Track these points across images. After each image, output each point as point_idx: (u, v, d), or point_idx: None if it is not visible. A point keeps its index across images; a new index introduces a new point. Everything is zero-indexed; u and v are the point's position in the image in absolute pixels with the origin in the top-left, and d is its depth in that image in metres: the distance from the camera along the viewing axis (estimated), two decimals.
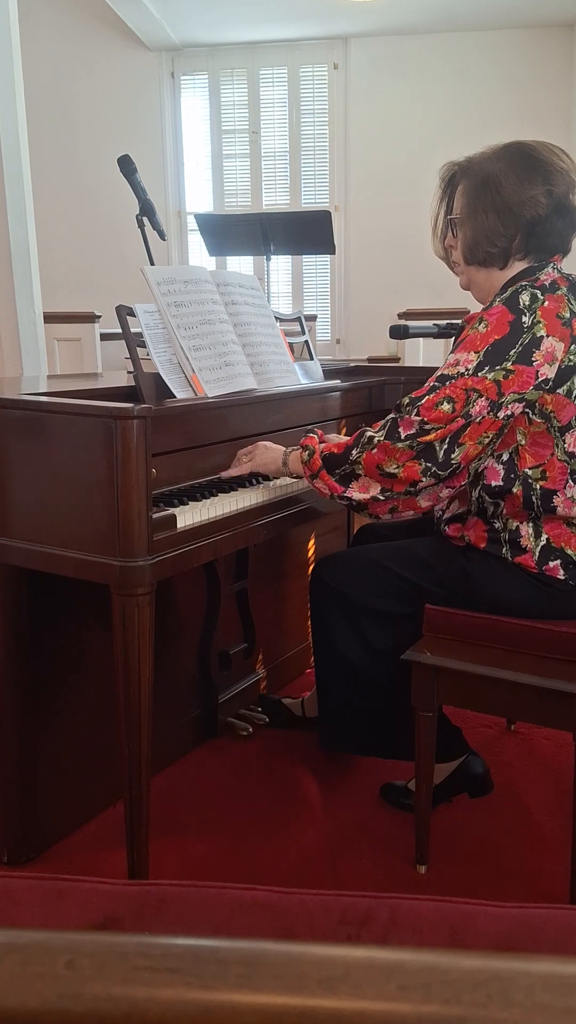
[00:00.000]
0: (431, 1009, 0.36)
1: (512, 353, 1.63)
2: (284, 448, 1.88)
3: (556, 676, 1.64)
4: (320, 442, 1.82)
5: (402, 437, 1.65)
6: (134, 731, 1.59)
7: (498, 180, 1.71)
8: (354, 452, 1.71)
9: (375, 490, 1.70)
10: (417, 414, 1.64)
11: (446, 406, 1.63)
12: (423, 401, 1.65)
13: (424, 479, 1.66)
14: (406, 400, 1.69)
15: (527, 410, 1.68)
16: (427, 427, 1.63)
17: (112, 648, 1.57)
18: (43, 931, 0.41)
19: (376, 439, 1.68)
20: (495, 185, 1.71)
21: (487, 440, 1.66)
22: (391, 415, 1.71)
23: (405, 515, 1.77)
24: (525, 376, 1.63)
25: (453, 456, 1.64)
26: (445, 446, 1.63)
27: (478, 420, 1.63)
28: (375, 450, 1.67)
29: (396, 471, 1.66)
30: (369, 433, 1.70)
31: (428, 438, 1.63)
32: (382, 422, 1.71)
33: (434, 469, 1.65)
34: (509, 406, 1.65)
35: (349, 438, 1.75)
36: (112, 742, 1.83)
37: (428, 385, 1.68)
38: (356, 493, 1.72)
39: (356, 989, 0.36)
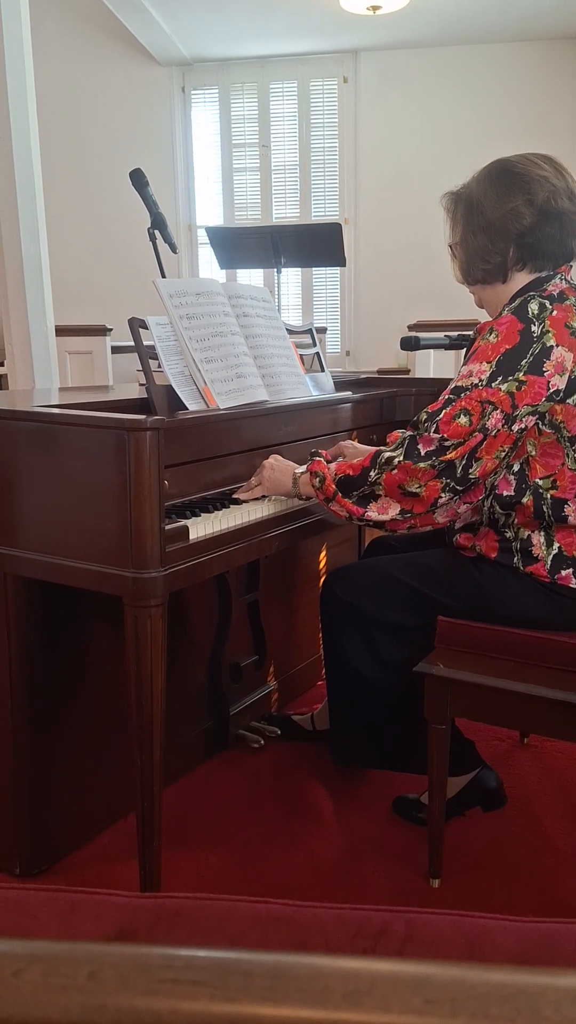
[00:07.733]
0: (458, 1023, 0.35)
1: (524, 363, 1.64)
2: (293, 469, 1.85)
3: (569, 688, 1.64)
4: (328, 462, 1.81)
5: (422, 455, 1.65)
6: (146, 743, 1.59)
7: (480, 201, 1.76)
8: (372, 473, 1.69)
9: (394, 510, 1.70)
10: (436, 430, 1.64)
11: (463, 419, 1.63)
12: (440, 416, 1.65)
13: (443, 495, 1.67)
14: (423, 416, 1.69)
15: (537, 421, 1.68)
16: (446, 443, 1.63)
17: (124, 660, 1.57)
18: (65, 942, 0.40)
19: (396, 459, 1.67)
20: (479, 206, 1.76)
21: (503, 454, 1.67)
22: (407, 432, 1.70)
23: (422, 529, 1.78)
24: (537, 387, 1.64)
25: (471, 471, 1.65)
26: (464, 462, 1.64)
27: (494, 433, 1.63)
28: (395, 471, 1.66)
29: (418, 490, 1.66)
30: (387, 454, 1.68)
31: (448, 456, 1.63)
32: (398, 440, 1.70)
33: (452, 484, 1.66)
34: (523, 419, 1.65)
35: (363, 458, 1.73)
36: (124, 754, 1.82)
37: (443, 398, 1.68)
38: (375, 514, 1.72)
39: (382, 1002, 0.36)
